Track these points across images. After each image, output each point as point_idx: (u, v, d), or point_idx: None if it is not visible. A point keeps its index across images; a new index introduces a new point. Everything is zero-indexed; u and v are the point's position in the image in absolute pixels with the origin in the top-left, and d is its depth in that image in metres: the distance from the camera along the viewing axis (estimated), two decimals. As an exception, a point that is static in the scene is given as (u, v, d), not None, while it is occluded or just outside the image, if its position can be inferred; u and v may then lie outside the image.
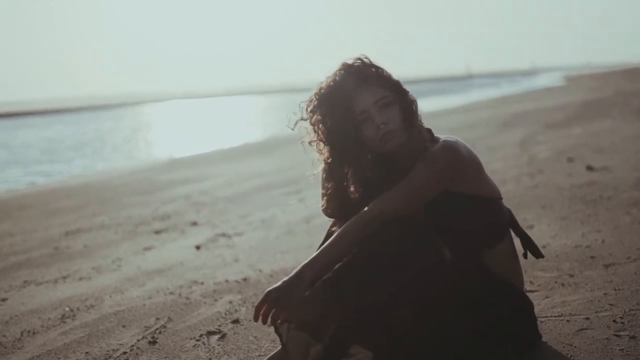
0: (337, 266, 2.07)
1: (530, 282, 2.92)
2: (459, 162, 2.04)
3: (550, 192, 5.05)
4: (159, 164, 11.36)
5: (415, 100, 2.14)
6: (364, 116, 2.05)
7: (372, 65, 2.10)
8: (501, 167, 6.40)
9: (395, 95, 2.08)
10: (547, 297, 2.71)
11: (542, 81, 48.57)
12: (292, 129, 2.15)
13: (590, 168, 5.95)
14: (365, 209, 2.08)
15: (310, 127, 2.13)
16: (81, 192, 8.19)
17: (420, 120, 2.14)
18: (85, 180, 9.71)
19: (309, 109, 2.11)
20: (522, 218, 4.20)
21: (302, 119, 2.14)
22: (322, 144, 2.13)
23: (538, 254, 2.25)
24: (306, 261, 2.05)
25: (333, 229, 2.21)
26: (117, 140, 19.12)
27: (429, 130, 2.15)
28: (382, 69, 2.11)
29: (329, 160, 2.13)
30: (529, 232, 3.73)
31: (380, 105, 2.05)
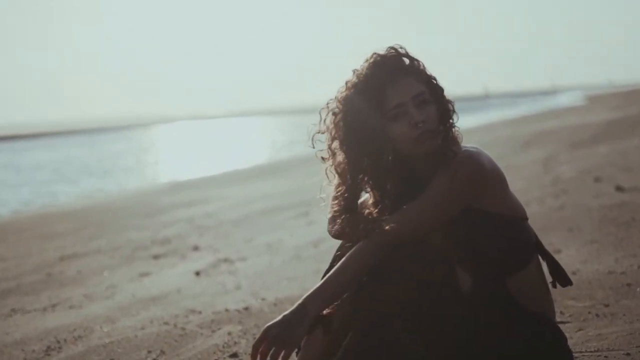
0: (344, 296, 1.91)
1: (561, 313, 2.75)
2: (480, 175, 1.88)
3: (577, 214, 4.90)
4: (163, 186, 11.29)
5: (453, 101, 1.97)
6: (399, 111, 1.87)
7: (408, 55, 1.93)
8: (523, 187, 6.24)
9: (431, 93, 1.92)
10: (580, 330, 2.55)
11: (562, 100, 48.46)
12: (312, 146, 1.98)
13: (619, 188, 5.76)
14: (375, 231, 1.92)
15: (331, 127, 1.94)
16: (80, 215, 8.10)
17: (455, 124, 1.97)
18: (85, 203, 9.65)
19: (332, 109, 1.95)
20: (548, 242, 4.01)
21: (322, 123, 1.95)
22: (337, 145, 1.93)
23: (566, 282, 2.05)
24: (310, 292, 1.90)
25: (343, 251, 2.04)
26: (123, 163, 19.12)
27: (455, 138, 1.98)
28: (418, 61, 1.94)
29: (343, 164, 1.94)
30: (555, 257, 3.55)
31: (419, 101, 1.89)
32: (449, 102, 1.96)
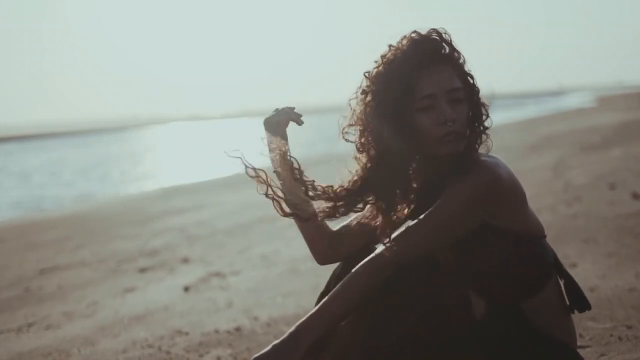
0: (343, 324, 1.79)
1: (580, 335, 2.61)
2: (498, 189, 1.73)
3: (592, 224, 4.78)
4: (154, 192, 11.14)
5: (488, 104, 1.80)
6: (428, 103, 1.72)
7: (451, 43, 1.77)
8: (533, 194, 6.10)
9: (466, 92, 1.76)
10: (602, 355, 2.43)
11: (571, 102, 48.47)
12: (345, 138, 1.82)
13: (636, 196, 5.64)
14: (375, 252, 1.79)
15: (358, 109, 1.79)
16: (66, 223, 7.95)
17: (485, 131, 1.80)
18: (73, 210, 9.50)
19: (361, 87, 1.80)
20: (563, 254, 3.88)
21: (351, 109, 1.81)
22: (366, 132, 1.78)
23: (584, 306, 1.90)
24: (304, 318, 1.75)
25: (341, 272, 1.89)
26: (115, 166, 18.98)
27: (474, 146, 1.81)
28: (459, 53, 1.78)
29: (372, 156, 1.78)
30: (571, 272, 3.42)
31: (452, 98, 1.73)
32: (482, 105, 1.79)
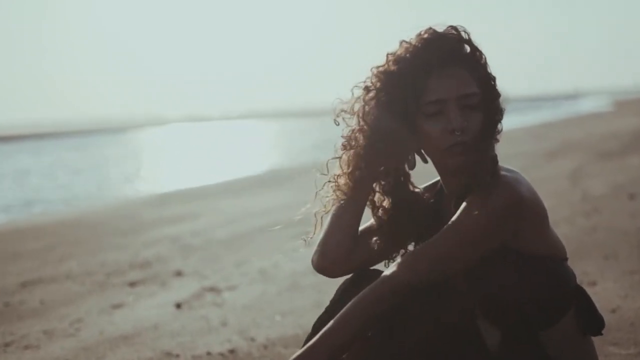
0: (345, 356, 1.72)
1: (602, 363, 2.51)
2: (519, 208, 1.65)
3: (612, 238, 4.74)
4: (148, 198, 11.08)
5: (504, 109, 1.73)
6: (436, 109, 1.65)
7: (471, 43, 1.69)
8: (549, 205, 5.95)
9: (482, 97, 1.68)
10: (626, 385, 2.32)
11: (587, 106, 48.54)
12: (337, 123, 1.77)
13: (658, 207, 5.57)
14: (385, 274, 1.72)
15: (358, 107, 1.73)
16: (52, 231, 7.88)
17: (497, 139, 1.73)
18: (61, 217, 9.43)
19: (365, 83, 1.74)
20: (582, 271, 3.80)
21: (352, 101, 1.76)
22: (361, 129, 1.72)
23: (597, 326, 1.80)
24: (304, 349, 1.69)
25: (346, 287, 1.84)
26: (109, 170, 18.95)
27: (494, 157, 1.72)
28: (481, 53, 1.70)
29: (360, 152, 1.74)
30: (590, 291, 3.35)
31: (465, 105, 1.66)
32: (499, 111, 1.71)
